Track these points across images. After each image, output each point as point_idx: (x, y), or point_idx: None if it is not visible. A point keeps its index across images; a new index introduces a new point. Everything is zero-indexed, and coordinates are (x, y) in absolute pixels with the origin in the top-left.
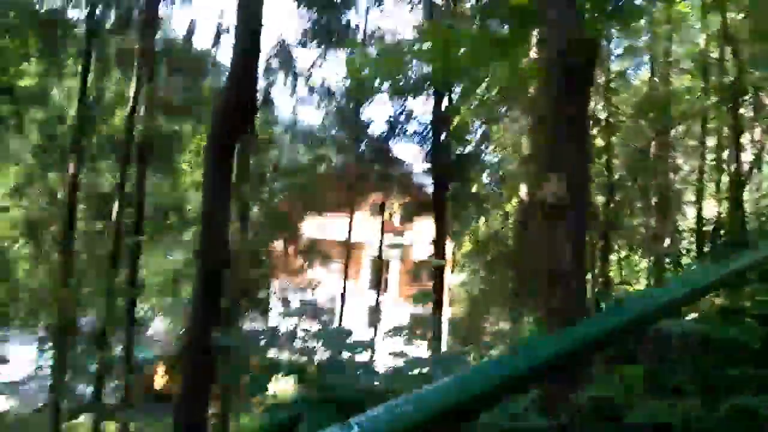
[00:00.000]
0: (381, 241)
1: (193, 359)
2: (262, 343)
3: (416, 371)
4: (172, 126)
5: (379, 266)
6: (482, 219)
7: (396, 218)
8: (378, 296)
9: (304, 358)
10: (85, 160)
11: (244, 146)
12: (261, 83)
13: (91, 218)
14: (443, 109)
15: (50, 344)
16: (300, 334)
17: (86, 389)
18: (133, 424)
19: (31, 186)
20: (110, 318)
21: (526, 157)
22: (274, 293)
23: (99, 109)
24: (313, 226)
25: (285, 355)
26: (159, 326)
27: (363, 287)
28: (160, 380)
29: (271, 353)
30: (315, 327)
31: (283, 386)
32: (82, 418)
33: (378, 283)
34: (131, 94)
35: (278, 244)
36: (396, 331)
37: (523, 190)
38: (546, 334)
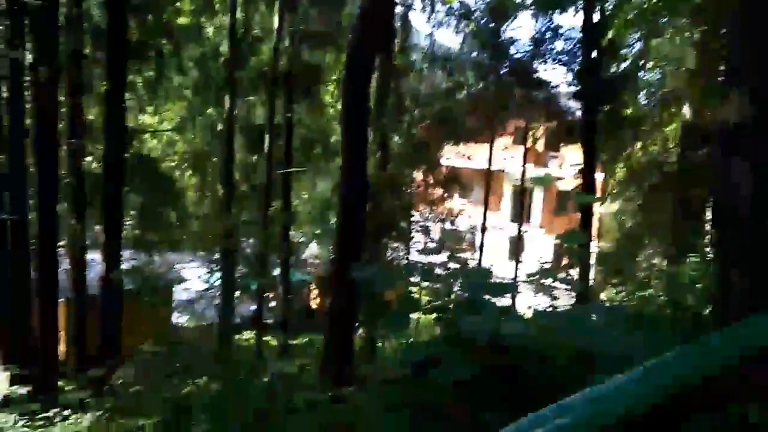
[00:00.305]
0: (523, 169)
1: (337, 288)
2: (398, 278)
3: (560, 320)
4: (315, 57)
5: (521, 196)
6: (638, 144)
7: (540, 145)
8: (520, 227)
9: (444, 297)
10: (238, 94)
11: (382, 74)
12: (397, 8)
13: (246, 150)
14: (595, 23)
15: (217, 267)
16: (439, 270)
17: (249, 307)
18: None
19: (193, 121)
20: (268, 243)
21: (693, 73)
22: (415, 224)
23: (248, 44)
24: (453, 155)
25: (424, 291)
26: (312, 251)
27: (504, 218)
28: (314, 300)
29: (410, 288)
30: (454, 261)
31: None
32: (246, 334)
33: (520, 213)
34: (275, 26)
35: (418, 174)
36: (540, 274)
37: (688, 110)
38: (714, 280)
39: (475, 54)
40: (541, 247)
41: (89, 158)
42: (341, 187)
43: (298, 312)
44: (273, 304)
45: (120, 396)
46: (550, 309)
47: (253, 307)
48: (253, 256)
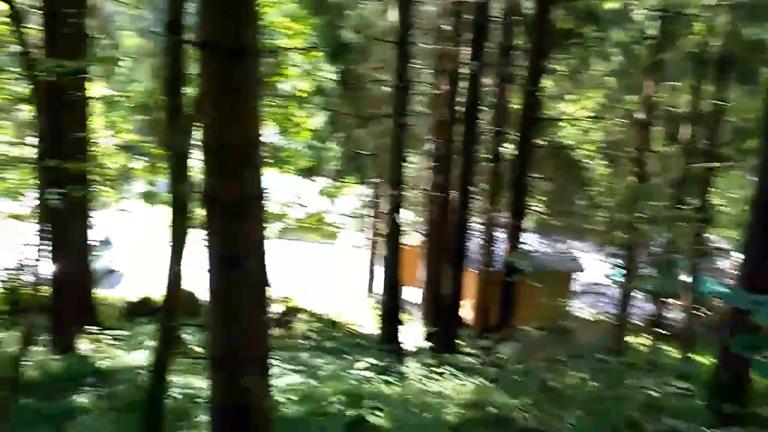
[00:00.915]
0: None
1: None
2: None
3: None
4: (757, 34)
5: None
6: None
7: None
8: None
9: None
10: (662, 79)
11: None
12: None
13: (664, 139)
14: None
15: (619, 261)
16: None
17: (648, 309)
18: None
19: (611, 108)
20: (677, 244)
21: None
22: None
23: (681, 23)
24: None
25: None
26: (735, 259)
27: None
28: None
29: None
30: None
31: None
32: (641, 337)
33: None
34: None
35: None
36: None
37: None
38: None
39: None
40: None
41: (508, 144)
42: (757, 185)
43: (705, 325)
44: (677, 312)
45: (501, 369)
46: None
47: (653, 310)
48: (659, 255)
